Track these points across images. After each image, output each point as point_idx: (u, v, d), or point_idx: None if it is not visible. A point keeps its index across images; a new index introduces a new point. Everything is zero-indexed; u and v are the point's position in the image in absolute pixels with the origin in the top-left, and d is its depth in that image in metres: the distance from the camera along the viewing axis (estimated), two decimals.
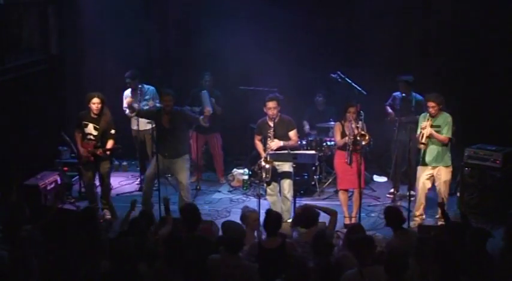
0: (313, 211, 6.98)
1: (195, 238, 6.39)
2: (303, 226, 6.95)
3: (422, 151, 8.50)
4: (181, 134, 8.95)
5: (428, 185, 8.59)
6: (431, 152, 8.46)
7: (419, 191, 8.59)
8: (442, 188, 8.49)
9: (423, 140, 8.33)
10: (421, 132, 8.38)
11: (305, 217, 6.90)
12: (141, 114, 9.48)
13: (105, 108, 8.90)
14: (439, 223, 8.31)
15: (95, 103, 8.79)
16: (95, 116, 8.84)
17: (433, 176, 8.55)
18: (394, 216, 6.79)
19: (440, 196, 8.43)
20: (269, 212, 6.81)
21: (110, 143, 8.90)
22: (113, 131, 8.94)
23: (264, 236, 6.77)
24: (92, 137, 8.88)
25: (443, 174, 8.49)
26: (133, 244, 5.80)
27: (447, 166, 8.50)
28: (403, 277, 5.44)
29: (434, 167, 8.51)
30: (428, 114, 8.40)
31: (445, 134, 8.38)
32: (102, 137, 8.87)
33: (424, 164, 8.52)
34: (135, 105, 9.50)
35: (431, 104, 8.35)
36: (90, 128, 8.88)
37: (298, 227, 7.09)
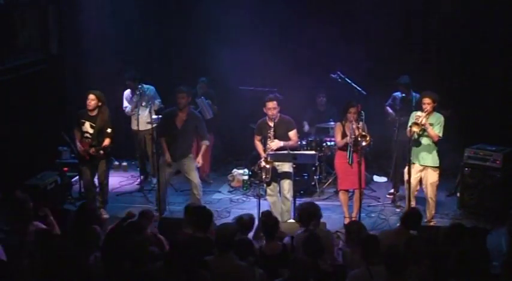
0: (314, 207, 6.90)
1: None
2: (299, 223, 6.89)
3: (409, 150, 8.39)
4: (191, 136, 8.93)
5: (418, 185, 8.58)
6: (419, 149, 8.44)
7: (412, 190, 8.48)
8: (429, 190, 8.50)
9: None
10: (411, 126, 8.28)
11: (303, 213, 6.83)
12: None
13: (104, 107, 8.92)
14: (431, 223, 8.41)
15: (89, 99, 8.84)
16: (92, 114, 8.87)
17: (421, 176, 8.55)
18: (412, 218, 6.72)
19: (426, 197, 8.51)
20: (267, 216, 6.73)
21: (106, 142, 8.91)
22: (109, 130, 8.94)
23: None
24: (88, 135, 8.91)
25: (430, 176, 8.48)
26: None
27: (435, 167, 8.47)
28: (404, 274, 5.36)
29: (422, 168, 8.49)
30: (421, 111, 8.31)
31: (437, 132, 8.36)
32: (98, 135, 8.88)
33: (412, 163, 8.45)
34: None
35: (427, 100, 8.30)
36: (87, 126, 8.91)
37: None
